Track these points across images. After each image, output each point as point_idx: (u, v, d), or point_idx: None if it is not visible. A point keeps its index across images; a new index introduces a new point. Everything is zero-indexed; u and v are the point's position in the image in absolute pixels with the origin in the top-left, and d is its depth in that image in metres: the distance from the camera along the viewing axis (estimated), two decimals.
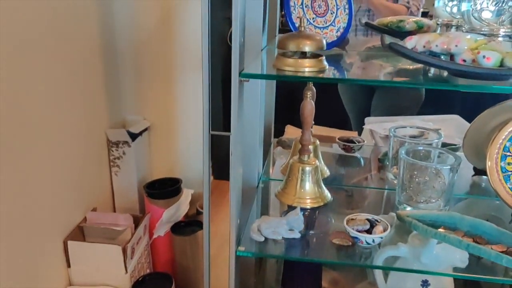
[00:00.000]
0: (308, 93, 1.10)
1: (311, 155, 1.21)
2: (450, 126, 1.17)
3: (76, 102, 1.13)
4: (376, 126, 1.66)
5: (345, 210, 1.24)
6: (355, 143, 1.49)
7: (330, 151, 1.45)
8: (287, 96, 1.49)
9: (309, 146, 1.20)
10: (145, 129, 1.37)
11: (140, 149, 1.34)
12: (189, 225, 1.27)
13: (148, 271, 1.22)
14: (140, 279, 1.08)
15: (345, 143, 1.48)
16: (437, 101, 1.63)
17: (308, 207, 1.15)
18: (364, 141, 1.50)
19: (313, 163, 1.19)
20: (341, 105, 1.95)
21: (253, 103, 1.12)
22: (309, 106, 1.13)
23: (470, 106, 1.26)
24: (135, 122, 1.35)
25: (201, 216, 1.36)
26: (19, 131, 0.94)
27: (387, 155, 1.43)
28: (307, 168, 1.18)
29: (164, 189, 1.26)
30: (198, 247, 1.22)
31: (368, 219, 1.04)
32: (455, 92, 1.43)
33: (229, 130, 0.91)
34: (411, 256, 1.03)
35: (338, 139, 1.50)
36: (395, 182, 1.28)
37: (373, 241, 0.99)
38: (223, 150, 0.94)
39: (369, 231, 1.02)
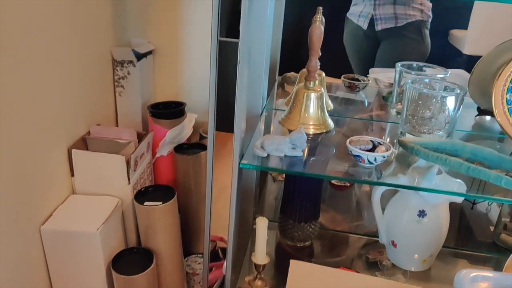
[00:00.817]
0: (318, 17, 1.09)
1: (317, 82, 1.21)
2: (455, 81, 1.17)
3: (82, 20, 1.12)
4: (380, 75, 1.64)
5: (347, 137, 1.25)
6: (360, 81, 1.48)
7: (334, 95, 1.45)
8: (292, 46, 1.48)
9: (316, 73, 1.19)
10: (150, 52, 1.36)
11: (145, 70, 1.33)
12: (192, 147, 1.28)
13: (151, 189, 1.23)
14: (142, 189, 1.10)
15: (351, 81, 1.47)
16: (442, 55, 1.61)
17: (311, 132, 1.16)
18: (369, 80, 1.49)
19: (318, 90, 1.19)
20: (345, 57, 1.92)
21: (260, 37, 1.11)
22: (317, 31, 1.12)
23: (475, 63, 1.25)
24: (140, 44, 1.34)
25: (205, 140, 1.37)
26: (27, 45, 0.93)
27: (391, 93, 1.43)
28: (312, 94, 1.18)
29: (169, 110, 1.27)
30: (201, 168, 1.23)
31: (371, 140, 1.06)
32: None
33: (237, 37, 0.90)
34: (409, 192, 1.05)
35: (344, 77, 1.49)
36: (399, 117, 1.29)
37: (375, 159, 1.00)
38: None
39: (371, 152, 1.03)
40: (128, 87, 1.29)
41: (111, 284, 1.04)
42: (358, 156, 1.01)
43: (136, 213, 1.07)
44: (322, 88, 1.21)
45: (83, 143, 1.15)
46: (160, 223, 1.05)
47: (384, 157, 1.00)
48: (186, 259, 1.29)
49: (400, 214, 1.22)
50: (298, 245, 1.36)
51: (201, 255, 1.31)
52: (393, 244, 1.24)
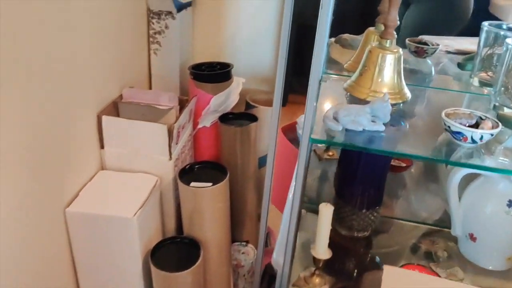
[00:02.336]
0: None
1: (394, 41, 1.00)
2: None
3: None
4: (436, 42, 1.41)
5: (426, 109, 1.05)
6: (429, 45, 1.26)
7: None
8: None
9: (393, 29, 0.99)
10: (190, 3, 1.14)
11: (185, 24, 1.12)
12: (238, 117, 1.09)
13: None
14: (187, 167, 0.91)
15: (418, 45, 1.26)
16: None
17: None
18: (438, 44, 1.27)
19: (396, 50, 0.98)
20: None
21: None
22: None
23: None
24: None
25: (251, 110, 1.17)
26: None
27: (470, 59, 1.22)
28: (389, 56, 0.98)
29: (213, 71, 1.06)
30: (250, 142, 1.04)
31: (471, 113, 0.85)
32: None
33: None
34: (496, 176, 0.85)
35: (409, 40, 1.28)
36: (483, 89, 1.10)
37: (482, 138, 0.80)
38: None
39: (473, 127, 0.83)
40: (165, 44, 1.08)
41: (149, 279, 0.86)
42: (459, 133, 0.80)
43: (180, 195, 0.88)
44: (400, 49, 1.00)
45: (114, 108, 0.95)
46: (209, 208, 0.86)
47: (492, 135, 0.80)
48: None
49: (483, 203, 1.03)
50: (356, 235, 1.17)
51: (245, 243, 1.13)
52: (472, 237, 1.05)
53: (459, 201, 1.07)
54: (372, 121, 0.86)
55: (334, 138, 0.86)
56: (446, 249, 1.21)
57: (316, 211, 1.27)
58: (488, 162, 0.84)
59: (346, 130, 0.86)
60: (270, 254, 0.99)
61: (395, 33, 0.98)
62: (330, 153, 1.44)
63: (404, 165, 1.43)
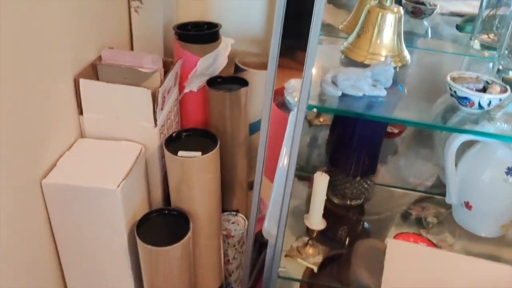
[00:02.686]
0: None
1: (394, 1, 0.94)
2: None
3: None
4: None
5: (426, 73, 1.00)
6: (427, 5, 1.20)
7: None
8: None
9: None
10: None
11: None
12: (227, 82, 1.02)
13: None
14: (174, 134, 0.84)
15: (415, 5, 1.19)
16: None
17: None
18: (436, 5, 1.21)
19: (396, 10, 0.92)
20: None
21: None
22: None
23: None
24: None
25: (241, 73, 1.10)
26: None
27: (469, 21, 1.17)
28: (389, 16, 0.92)
29: (200, 32, 0.98)
30: (240, 108, 0.98)
31: (478, 77, 0.80)
32: None
33: None
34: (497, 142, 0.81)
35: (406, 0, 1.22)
36: (484, 52, 1.05)
37: (490, 103, 0.75)
38: None
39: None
40: (147, 1, 0.99)
41: (135, 254, 0.81)
42: (466, 98, 0.76)
43: (167, 165, 0.82)
44: (400, 8, 0.94)
45: (93, 71, 0.87)
46: (198, 179, 0.80)
47: (500, 100, 0.76)
48: None
49: (480, 171, 1.00)
50: (349, 203, 1.14)
51: (235, 213, 1.08)
52: (467, 205, 1.03)
53: (456, 168, 1.04)
54: (373, 86, 0.81)
55: (330, 103, 0.80)
56: (436, 215, 1.20)
57: (305, 178, 1.23)
58: (491, 128, 0.80)
59: (345, 95, 0.80)
60: (260, 222, 0.95)
61: None
62: (321, 119, 1.39)
63: (397, 131, 1.39)
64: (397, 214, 1.21)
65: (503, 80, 0.88)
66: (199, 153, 0.79)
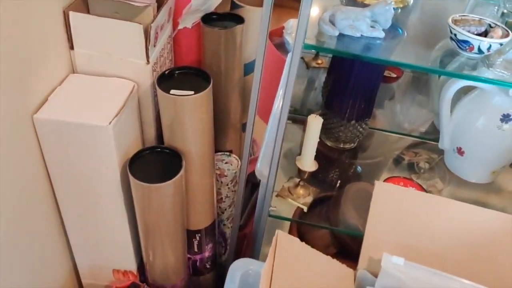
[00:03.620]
0: None
1: None
2: None
3: None
4: None
5: (426, 15, 0.97)
6: None
7: None
8: None
9: None
10: None
11: None
12: (223, 18, 0.99)
13: None
14: (166, 72, 0.83)
15: None
16: None
17: None
18: None
19: None
20: None
21: None
22: None
23: None
24: None
25: (237, 10, 1.07)
26: None
27: None
28: None
29: None
30: (235, 46, 0.95)
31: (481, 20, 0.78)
32: None
33: None
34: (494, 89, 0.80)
35: None
36: None
37: (490, 47, 0.74)
38: None
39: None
40: None
41: (128, 191, 0.82)
42: (465, 42, 0.74)
43: (159, 103, 0.81)
44: None
45: (84, 4, 0.84)
46: (191, 118, 0.80)
47: (501, 44, 0.74)
48: None
49: (475, 117, 1.00)
50: (342, 146, 1.15)
51: (228, 153, 1.09)
52: (459, 151, 1.04)
53: (451, 114, 1.03)
54: (372, 27, 0.79)
55: (328, 43, 0.78)
56: (428, 161, 1.21)
57: (300, 121, 1.23)
58: (489, 74, 0.79)
59: (342, 35, 0.78)
60: (253, 163, 0.96)
61: None
62: (319, 61, 1.37)
63: (394, 75, 1.37)
64: (389, 159, 1.22)
65: (507, 24, 0.86)
66: (191, 92, 0.78)
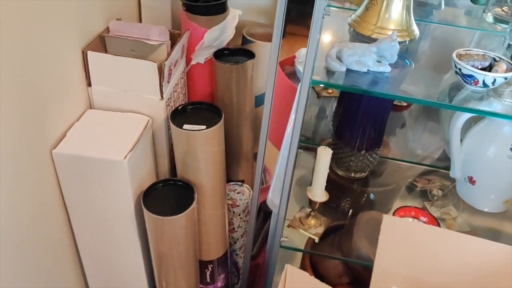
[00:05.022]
0: None
1: None
2: None
3: None
4: None
5: (434, 47, 0.99)
6: None
7: None
8: None
9: None
10: None
11: None
12: (234, 53, 1.02)
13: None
14: (180, 107, 0.86)
15: None
16: None
17: None
18: None
19: None
20: None
21: None
22: None
23: None
24: None
25: (248, 45, 1.10)
26: None
27: None
28: None
29: (207, 3, 0.98)
30: (246, 80, 0.98)
31: (485, 54, 0.79)
32: None
33: None
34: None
35: None
36: (497, 26, 1.03)
37: (494, 82, 0.75)
38: None
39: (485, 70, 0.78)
40: None
41: (142, 223, 0.85)
42: (470, 76, 0.76)
43: (173, 138, 0.84)
44: None
45: (101, 43, 0.88)
46: (203, 152, 0.82)
47: (506, 78, 0.75)
48: None
49: (485, 147, 1.00)
50: (353, 176, 1.15)
51: (240, 183, 1.11)
52: (471, 180, 1.04)
53: (461, 144, 1.04)
54: (378, 62, 0.81)
55: (336, 78, 0.81)
56: (441, 188, 1.20)
57: (312, 149, 1.25)
58: (497, 106, 0.80)
59: (350, 70, 0.81)
60: (265, 191, 0.97)
61: None
62: (330, 91, 1.39)
63: (405, 104, 1.38)
64: (402, 186, 1.22)
65: None
66: (204, 127, 0.80)
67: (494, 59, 0.79)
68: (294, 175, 0.85)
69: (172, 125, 0.82)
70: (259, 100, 1.12)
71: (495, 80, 0.74)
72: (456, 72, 0.78)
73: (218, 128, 0.82)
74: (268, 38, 1.09)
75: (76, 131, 0.83)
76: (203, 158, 0.83)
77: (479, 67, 0.76)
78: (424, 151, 1.33)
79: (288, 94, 0.97)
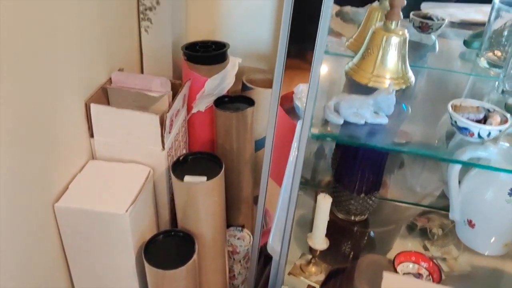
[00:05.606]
0: None
1: (399, 23, 0.94)
2: None
3: None
4: (438, 11, 1.34)
5: (431, 94, 1.01)
6: (434, 20, 1.20)
7: None
8: None
9: (400, 10, 0.93)
10: None
11: (178, 0, 1.05)
12: (234, 101, 1.04)
13: (184, 151, 1.01)
14: (181, 158, 0.87)
15: (423, 20, 1.19)
16: None
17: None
18: (444, 19, 1.21)
19: (401, 33, 0.93)
20: None
21: None
22: None
23: None
24: None
25: (248, 92, 1.12)
26: None
27: (476, 36, 1.16)
28: (394, 39, 0.93)
29: (208, 52, 1.00)
30: (246, 127, 1.00)
31: (479, 107, 0.81)
32: None
33: None
34: (500, 160, 0.82)
35: (413, 14, 1.22)
36: (490, 70, 1.05)
37: (489, 134, 0.77)
38: None
39: (480, 122, 0.79)
40: (157, 21, 1.02)
41: (143, 275, 0.85)
42: (466, 128, 0.77)
43: (173, 189, 0.85)
44: (405, 31, 0.94)
45: (104, 94, 0.90)
46: (204, 203, 0.83)
47: (500, 131, 0.77)
48: None
49: (484, 191, 1.01)
50: (353, 219, 1.16)
51: (240, 228, 1.11)
52: (470, 224, 1.04)
53: (459, 186, 1.04)
54: (375, 112, 0.83)
55: (334, 130, 0.82)
56: (441, 226, 1.20)
57: (311, 191, 1.25)
58: (493, 150, 0.81)
59: (348, 122, 0.82)
60: (266, 235, 0.97)
61: (401, 13, 0.92)
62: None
63: (404, 141, 1.39)
64: (402, 226, 1.22)
65: (506, 106, 0.89)
66: (204, 178, 0.81)
67: (488, 110, 0.81)
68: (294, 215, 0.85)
69: (173, 177, 0.83)
70: (259, 145, 1.13)
71: (490, 132, 0.76)
72: (452, 123, 0.79)
73: (218, 180, 0.82)
74: (268, 83, 1.11)
75: (78, 183, 0.83)
76: (204, 209, 0.84)
77: (474, 119, 0.78)
78: (423, 189, 1.34)
79: (288, 130, 0.99)
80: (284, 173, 0.91)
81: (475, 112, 0.79)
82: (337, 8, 1.25)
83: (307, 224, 1.07)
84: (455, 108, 0.80)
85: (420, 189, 1.33)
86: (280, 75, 0.73)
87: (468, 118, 0.77)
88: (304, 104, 0.73)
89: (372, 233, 1.19)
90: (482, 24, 1.11)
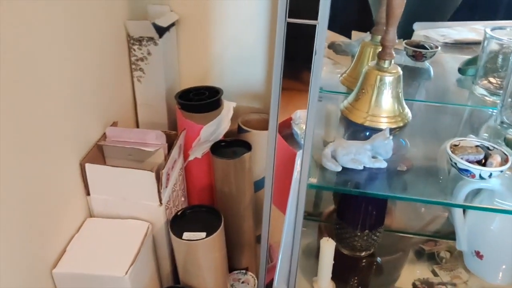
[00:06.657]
0: None
1: (393, 61, 0.94)
2: None
3: None
4: (431, 32, 1.34)
5: (428, 132, 1.00)
6: (427, 48, 1.20)
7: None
8: None
9: (392, 49, 0.93)
10: (173, 24, 1.07)
11: (169, 47, 1.05)
12: (231, 145, 1.03)
13: (183, 199, 1.00)
14: (179, 213, 0.86)
15: (416, 49, 1.19)
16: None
17: (383, 127, 0.90)
18: (438, 47, 1.21)
19: (395, 71, 0.93)
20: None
21: None
22: None
23: None
24: (160, 14, 1.05)
25: (243, 135, 1.11)
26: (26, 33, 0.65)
27: (471, 63, 1.16)
28: (388, 78, 0.92)
29: (202, 100, 1.00)
30: (244, 171, 0.99)
31: (478, 146, 0.80)
32: None
33: (315, 18, 0.63)
34: (505, 190, 0.81)
35: (406, 43, 1.21)
36: (486, 99, 1.04)
37: (490, 175, 0.75)
38: None
39: (480, 162, 0.78)
40: (149, 71, 1.02)
41: None
42: (467, 170, 0.76)
43: (173, 246, 0.84)
44: (399, 69, 0.94)
45: (99, 150, 0.89)
46: (205, 259, 0.82)
47: (501, 171, 0.75)
48: None
49: (490, 221, 0.99)
50: (358, 255, 1.14)
51: (244, 271, 1.09)
52: (478, 255, 1.02)
53: (464, 217, 1.03)
54: (373, 157, 0.82)
55: (332, 178, 0.81)
56: (448, 249, 1.19)
57: (314, 223, 1.24)
58: (496, 180, 0.80)
59: (346, 168, 0.81)
60: (271, 271, 0.96)
61: (393, 53, 0.92)
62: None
63: (405, 168, 1.38)
64: (409, 252, 1.21)
65: (506, 140, 0.88)
66: (203, 234, 0.80)
67: (488, 148, 0.79)
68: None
69: (172, 235, 0.81)
70: (258, 185, 1.12)
71: (491, 174, 0.75)
72: (452, 165, 0.78)
73: (218, 234, 0.81)
74: (263, 124, 1.11)
75: (76, 244, 0.82)
76: (205, 265, 0.83)
77: (474, 160, 0.77)
78: (429, 215, 1.32)
79: (287, 157, 0.97)
80: (287, 199, 0.90)
81: (474, 153, 0.77)
82: (328, 41, 1.25)
83: (313, 253, 1.05)
84: (454, 148, 0.79)
85: (426, 215, 1.32)
86: (275, 115, 0.72)
87: (468, 160, 0.76)
88: (303, 141, 0.72)
89: (379, 263, 1.17)
90: (477, 43, 1.11)
